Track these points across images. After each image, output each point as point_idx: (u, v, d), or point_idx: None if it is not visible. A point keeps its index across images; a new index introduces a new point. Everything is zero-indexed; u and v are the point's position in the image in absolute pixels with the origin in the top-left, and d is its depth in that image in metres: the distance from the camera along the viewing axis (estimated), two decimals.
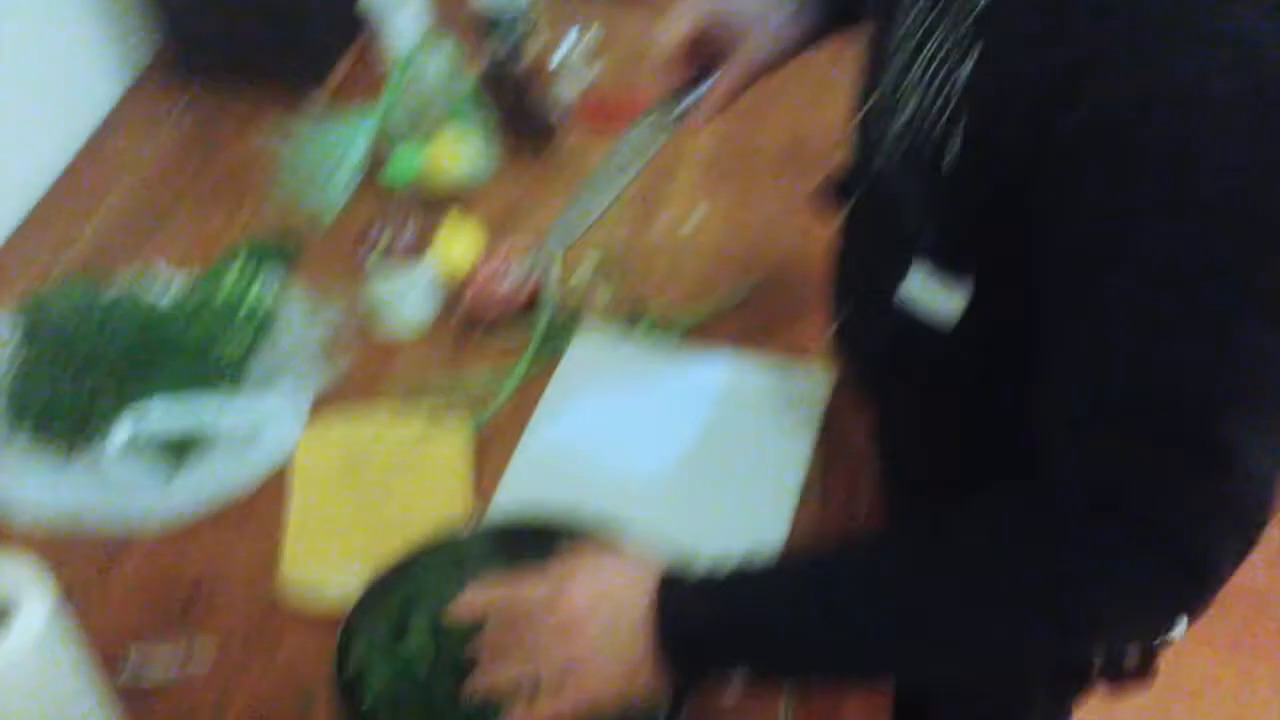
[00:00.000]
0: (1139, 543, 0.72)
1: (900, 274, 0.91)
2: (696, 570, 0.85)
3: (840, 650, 0.81)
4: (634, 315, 1.36)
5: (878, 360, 1.06)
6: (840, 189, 1.12)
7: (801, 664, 0.83)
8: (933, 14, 0.82)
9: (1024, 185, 0.76)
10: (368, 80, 1.70)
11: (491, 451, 1.24)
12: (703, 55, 1.05)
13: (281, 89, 1.66)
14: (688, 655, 0.81)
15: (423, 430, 1.22)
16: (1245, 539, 0.72)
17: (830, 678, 0.90)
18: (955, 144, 0.79)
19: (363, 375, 1.29)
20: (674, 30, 1.02)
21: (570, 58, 1.69)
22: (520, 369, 1.30)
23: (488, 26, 1.73)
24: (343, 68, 1.72)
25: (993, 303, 0.86)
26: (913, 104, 0.83)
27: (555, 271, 1.40)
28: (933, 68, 0.80)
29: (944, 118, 0.79)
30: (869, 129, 0.95)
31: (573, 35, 1.68)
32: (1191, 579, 0.73)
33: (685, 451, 1.22)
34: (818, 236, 1.44)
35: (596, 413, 1.26)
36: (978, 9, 0.78)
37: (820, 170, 1.18)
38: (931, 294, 0.89)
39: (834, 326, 1.14)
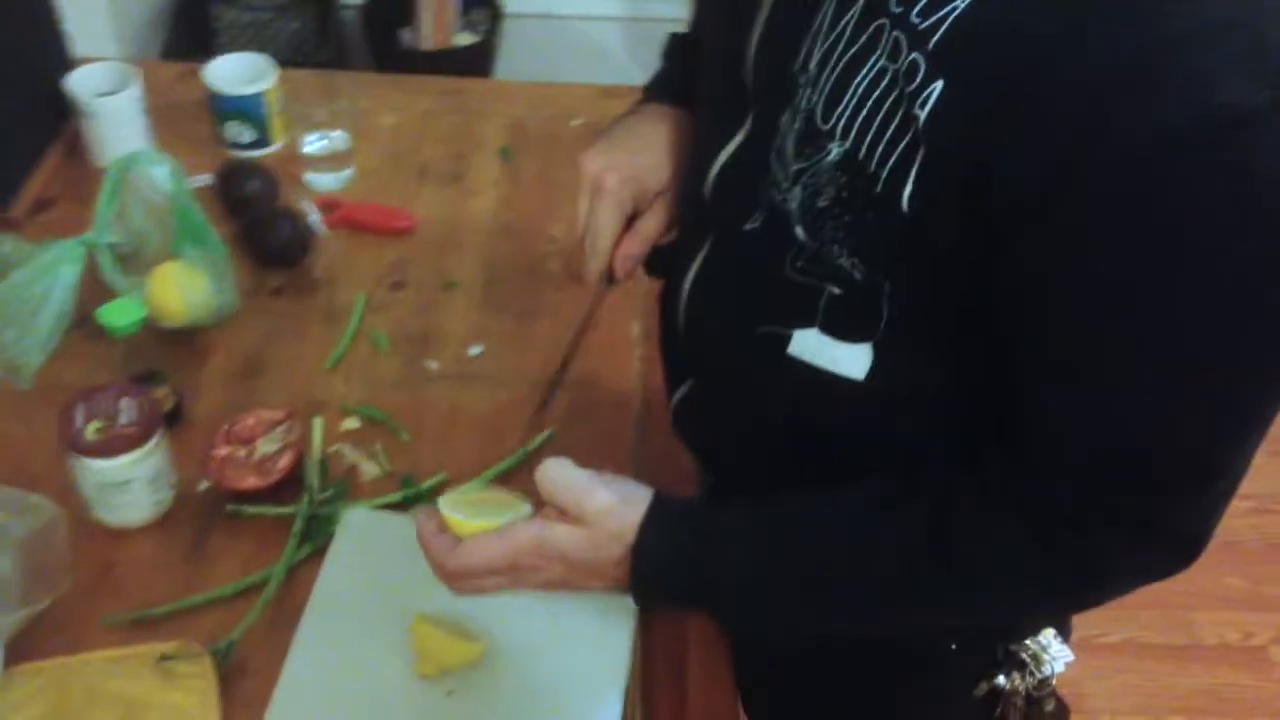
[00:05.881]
0: (1144, 542, 0.74)
1: (790, 325, 0.80)
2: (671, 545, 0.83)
3: (812, 619, 0.85)
4: (410, 485, 1.10)
5: (751, 429, 0.92)
6: (678, 250, 0.95)
7: (780, 629, 0.92)
8: (854, 46, 0.71)
9: (1015, 220, 0.65)
10: (71, 198, 1.38)
11: (244, 688, 0.95)
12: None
13: None
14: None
15: (152, 679, 0.92)
16: (1228, 504, 0.75)
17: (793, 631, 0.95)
18: (909, 179, 0.69)
19: (73, 598, 0.98)
20: (608, 226, 0.93)
21: (316, 165, 1.44)
22: (280, 568, 1.02)
23: (218, 131, 1.46)
24: (36, 183, 1.38)
25: (912, 350, 0.77)
26: (853, 135, 0.71)
27: (316, 438, 1.14)
28: (874, 98, 0.70)
29: (897, 152, 0.69)
30: (760, 166, 0.80)
31: (316, 140, 1.43)
32: (1187, 558, 0.75)
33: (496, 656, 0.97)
34: (623, 338, 1.26)
35: (378, 617, 0.98)
36: (933, 41, 0.66)
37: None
38: (833, 348, 0.79)
39: (678, 398, 1.01)
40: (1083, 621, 0.98)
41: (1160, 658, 2.04)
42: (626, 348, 1.26)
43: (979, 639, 0.95)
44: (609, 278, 0.96)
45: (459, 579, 0.85)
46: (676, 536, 0.83)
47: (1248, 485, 0.75)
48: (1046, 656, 0.93)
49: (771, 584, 0.82)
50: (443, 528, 0.86)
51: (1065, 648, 0.95)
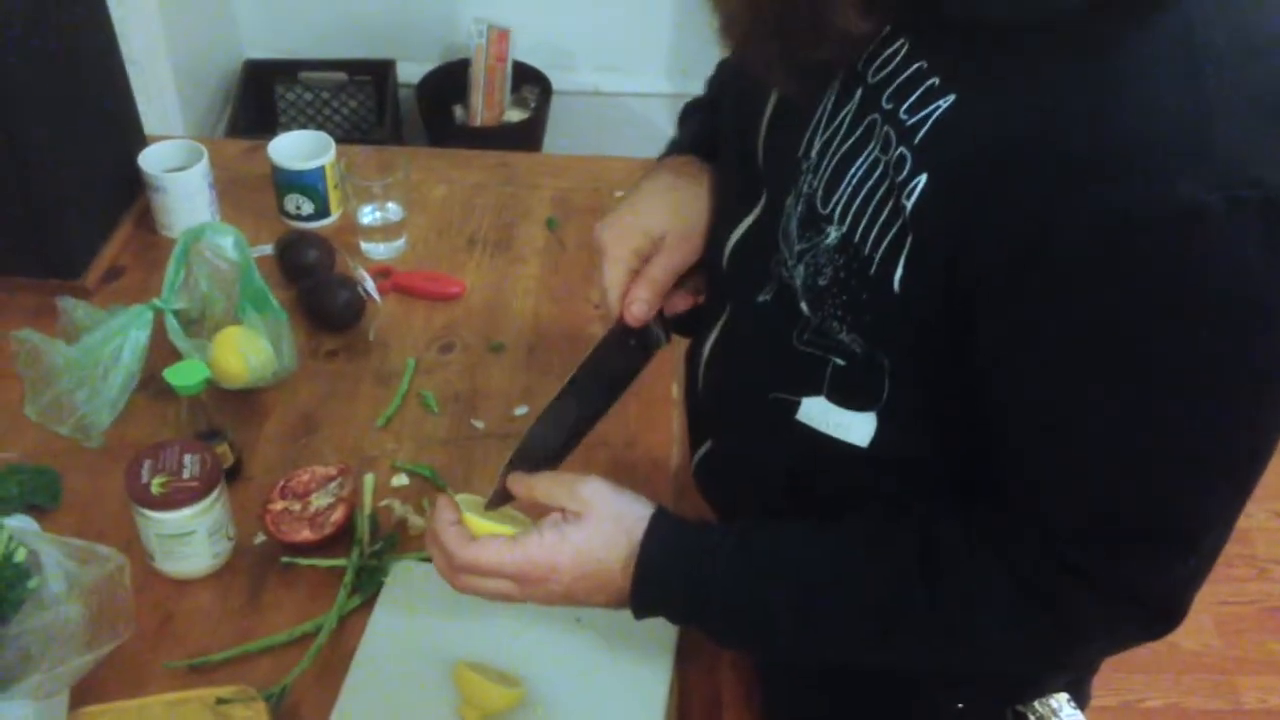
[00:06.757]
0: (1119, 605, 0.77)
1: (799, 393, 0.84)
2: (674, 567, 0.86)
3: (806, 647, 0.87)
4: None
5: (762, 489, 0.94)
6: (702, 316, 0.98)
7: (769, 649, 0.95)
8: (851, 138, 0.76)
9: (991, 300, 0.70)
10: (141, 267, 1.45)
11: None
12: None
13: (31, 280, 1.38)
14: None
15: None
16: (1207, 574, 0.77)
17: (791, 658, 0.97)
18: (900, 262, 0.73)
19: (136, 643, 1.02)
20: (614, 280, 0.95)
21: (371, 235, 1.50)
22: (331, 618, 1.06)
23: (280, 203, 1.53)
24: (108, 253, 1.45)
25: (913, 419, 0.81)
26: (849, 221, 0.75)
27: (367, 493, 1.18)
28: (868, 187, 0.74)
29: (888, 237, 0.73)
30: (771, 243, 0.84)
31: (371, 212, 1.49)
32: (1164, 623, 0.78)
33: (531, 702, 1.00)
34: (662, 398, 1.29)
35: (424, 664, 1.01)
36: (918, 137, 0.70)
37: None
38: (839, 415, 0.83)
39: (698, 458, 1.03)
40: (1125, 685, 0.98)
41: None
42: (665, 408, 1.29)
43: (985, 699, 0.95)
44: (632, 334, 0.96)
45: (464, 572, 0.88)
46: (676, 546, 0.86)
47: None
48: None
49: (760, 606, 0.84)
50: (457, 522, 0.89)
51: (1078, 713, 0.95)
